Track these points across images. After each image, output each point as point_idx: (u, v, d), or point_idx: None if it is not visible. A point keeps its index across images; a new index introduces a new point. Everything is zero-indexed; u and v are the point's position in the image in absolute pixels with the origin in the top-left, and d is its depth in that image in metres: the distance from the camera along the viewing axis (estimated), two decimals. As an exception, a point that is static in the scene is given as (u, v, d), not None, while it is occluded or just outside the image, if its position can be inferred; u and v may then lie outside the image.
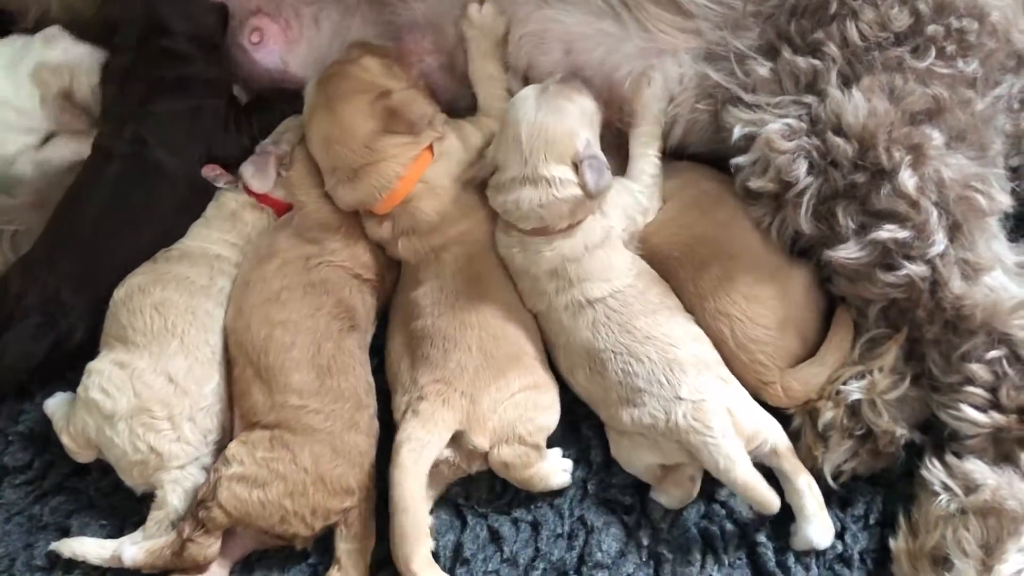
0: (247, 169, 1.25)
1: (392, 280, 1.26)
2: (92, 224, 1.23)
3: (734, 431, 1.06)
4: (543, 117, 1.15)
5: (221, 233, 1.26)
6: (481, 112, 1.27)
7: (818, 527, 1.08)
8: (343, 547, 1.08)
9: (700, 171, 1.24)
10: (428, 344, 1.13)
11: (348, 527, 1.09)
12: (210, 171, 1.27)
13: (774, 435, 1.10)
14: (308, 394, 1.12)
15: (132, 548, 1.08)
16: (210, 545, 1.06)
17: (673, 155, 1.25)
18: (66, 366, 1.21)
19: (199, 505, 1.07)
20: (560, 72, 1.21)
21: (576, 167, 1.13)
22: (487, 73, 1.25)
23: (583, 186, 1.13)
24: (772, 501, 1.05)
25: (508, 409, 1.10)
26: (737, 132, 1.13)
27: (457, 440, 1.10)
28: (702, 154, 1.26)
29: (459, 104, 1.30)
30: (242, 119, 1.31)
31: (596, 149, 1.15)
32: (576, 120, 1.16)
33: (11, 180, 1.36)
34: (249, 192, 1.26)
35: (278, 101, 1.33)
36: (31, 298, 1.20)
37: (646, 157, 1.21)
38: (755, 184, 1.12)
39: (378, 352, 1.23)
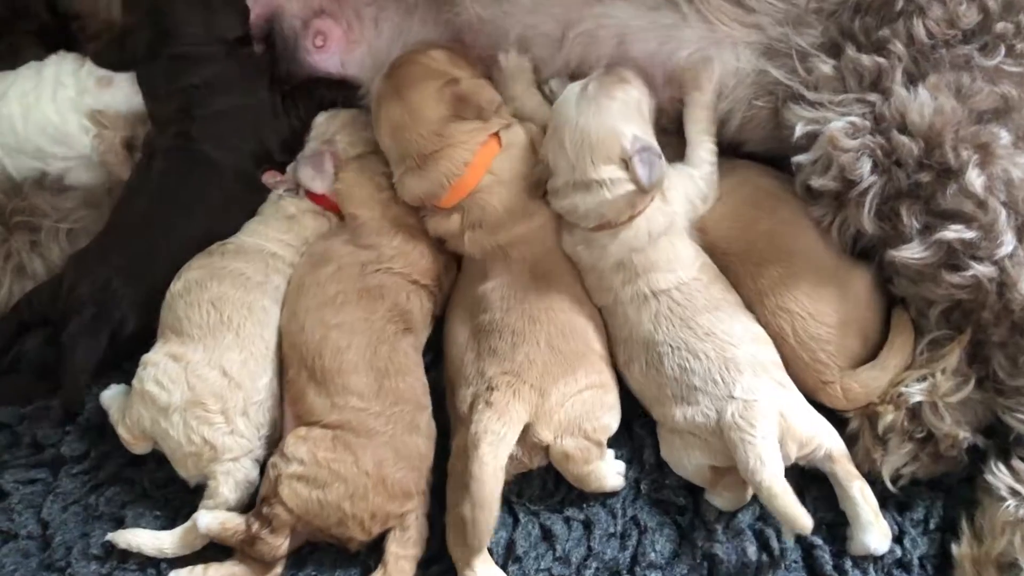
0: (305, 172, 1.25)
1: (449, 283, 1.25)
2: (141, 216, 1.25)
3: (779, 436, 1.05)
4: (584, 120, 1.14)
5: (278, 233, 1.26)
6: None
7: (875, 534, 1.06)
8: (393, 551, 1.07)
9: (757, 169, 1.23)
10: (496, 337, 1.13)
11: (403, 531, 1.08)
12: (270, 178, 1.28)
13: (829, 440, 1.08)
14: (368, 396, 1.11)
15: (208, 516, 1.08)
16: (279, 545, 1.06)
17: (728, 152, 1.23)
18: (121, 356, 1.21)
19: (263, 502, 1.08)
20: (607, 63, 1.20)
21: (626, 164, 1.12)
22: (529, 103, 1.26)
23: (636, 182, 1.12)
24: (800, 517, 1.01)
25: (575, 405, 1.10)
26: (799, 130, 1.12)
27: (521, 434, 1.08)
28: (758, 152, 1.25)
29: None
30: (288, 103, 1.31)
31: (647, 140, 1.14)
32: (619, 116, 1.14)
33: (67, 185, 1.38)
34: (311, 198, 1.26)
35: (318, 87, 1.34)
36: (83, 289, 1.21)
37: (703, 143, 1.20)
38: (817, 182, 1.11)
39: (428, 349, 1.23)
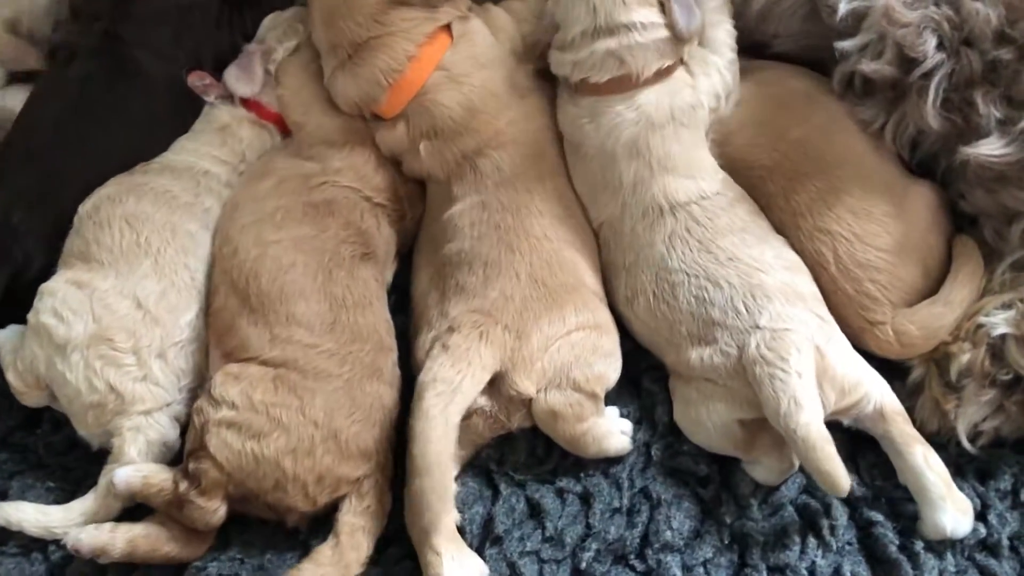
0: (230, 73, 1.06)
1: (416, 215, 1.05)
2: (50, 130, 1.04)
3: (816, 376, 0.84)
4: None
5: (210, 148, 1.06)
6: None
7: (950, 512, 0.84)
8: (348, 520, 0.85)
9: (784, 69, 1.03)
10: (465, 271, 0.92)
11: (360, 498, 0.87)
12: (198, 79, 1.07)
13: (879, 392, 0.86)
14: (320, 330, 0.90)
15: (128, 469, 0.87)
16: (215, 509, 0.86)
17: (752, 53, 1.02)
18: (24, 302, 0.98)
19: (189, 456, 0.87)
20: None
21: (662, 6, 0.94)
22: None
23: (672, 26, 0.93)
24: (838, 476, 0.80)
25: (562, 349, 0.89)
26: (843, 8, 0.92)
27: (496, 385, 0.88)
28: (789, 52, 1.03)
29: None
30: (234, 15, 1.11)
31: None
32: None
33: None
34: (246, 105, 1.07)
35: None
36: None
37: (721, 25, 0.99)
38: (869, 68, 0.90)
39: (394, 289, 1.02)
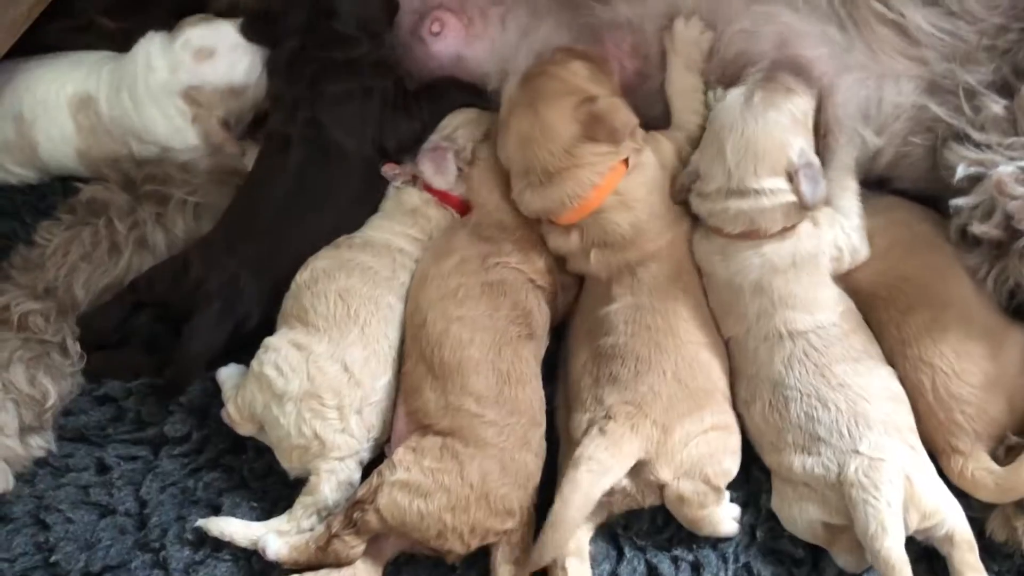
0: (427, 167, 1.24)
1: (567, 299, 1.21)
2: (277, 210, 1.23)
3: (903, 503, 0.98)
4: (750, 131, 1.09)
5: (403, 227, 1.24)
6: (674, 127, 1.22)
7: None
8: (504, 567, 1.03)
9: (914, 211, 1.17)
10: (618, 363, 1.08)
11: (511, 548, 1.04)
12: (390, 170, 1.25)
13: (954, 520, 1.00)
14: (487, 402, 1.07)
15: (276, 542, 1.05)
16: (355, 546, 1.03)
17: (875, 187, 1.17)
18: (237, 348, 1.19)
19: (355, 505, 1.04)
20: (767, 61, 1.14)
21: (790, 177, 1.08)
22: (686, 87, 1.20)
23: (799, 196, 1.07)
24: None
25: (700, 446, 1.04)
26: (961, 171, 1.06)
27: (637, 470, 1.03)
28: (907, 190, 1.18)
29: (648, 114, 1.22)
30: (411, 103, 1.29)
31: (811, 155, 1.10)
32: (786, 129, 1.10)
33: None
34: (430, 190, 1.24)
35: (450, 89, 1.31)
36: (212, 283, 1.19)
37: (848, 190, 1.13)
38: (977, 229, 1.04)
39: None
